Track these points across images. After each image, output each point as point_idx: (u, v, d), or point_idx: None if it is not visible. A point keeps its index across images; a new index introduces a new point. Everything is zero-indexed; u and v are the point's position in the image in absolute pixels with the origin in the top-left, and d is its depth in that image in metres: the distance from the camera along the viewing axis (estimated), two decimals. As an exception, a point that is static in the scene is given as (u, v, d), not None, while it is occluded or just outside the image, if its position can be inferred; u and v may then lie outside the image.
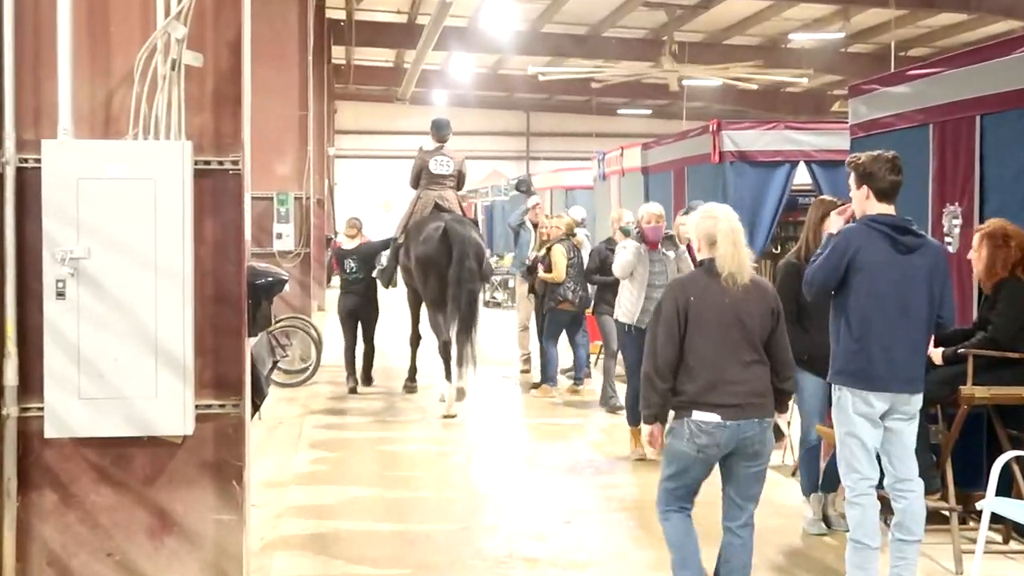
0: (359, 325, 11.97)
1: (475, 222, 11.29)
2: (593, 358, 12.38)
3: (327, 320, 17.52)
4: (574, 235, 11.34)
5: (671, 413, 4.82)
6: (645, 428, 4.86)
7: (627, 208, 11.07)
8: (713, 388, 4.64)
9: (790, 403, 5.23)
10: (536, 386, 11.51)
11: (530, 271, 11.45)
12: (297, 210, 13.90)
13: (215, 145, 4.93)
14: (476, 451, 8.96)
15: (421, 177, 10.96)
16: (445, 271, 10.21)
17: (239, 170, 4.93)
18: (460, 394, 10.32)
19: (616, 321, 8.63)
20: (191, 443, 4.88)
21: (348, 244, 12.31)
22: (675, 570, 4.88)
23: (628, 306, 8.31)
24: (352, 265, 11.97)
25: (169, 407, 4.71)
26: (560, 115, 39.76)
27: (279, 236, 13.68)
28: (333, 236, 21.82)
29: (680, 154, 11.93)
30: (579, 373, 11.61)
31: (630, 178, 13.98)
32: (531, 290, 11.63)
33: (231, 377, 4.96)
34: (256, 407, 5.79)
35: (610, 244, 10.07)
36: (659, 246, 8.33)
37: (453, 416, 10.15)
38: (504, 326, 17.19)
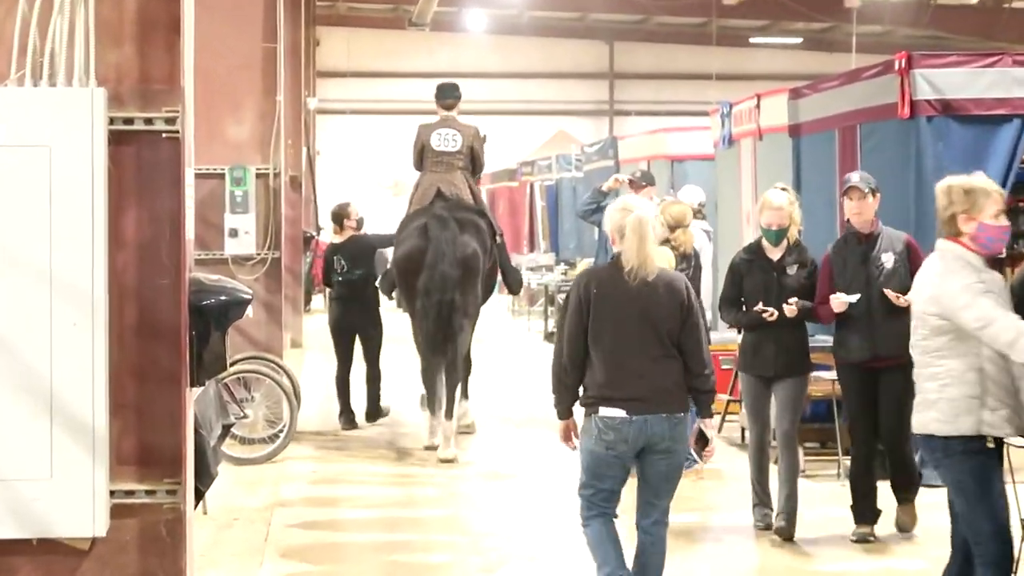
0: (355, 343, 13.15)
1: (481, 212, 12.54)
2: (717, 420, 12.23)
3: (305, 361, 17.59)
4: (685, 227, 10.35)
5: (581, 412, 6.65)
6: (560, 423, 6.84)
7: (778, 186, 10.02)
8: (616, 383, 6.46)
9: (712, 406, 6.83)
10: None
11: None
12: (261, 193, 13.90)
13: (140, 94, 4.96)
14: (534, 564, 8.90)
15: (424, 157, 12.56)
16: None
17: (176, 132, 4.95)
18: (446, 441, 11.84)
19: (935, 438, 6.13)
20: (104, 549, 4.89)
21: (337, 238, 13.56)
22: (598, 571, 6.75)
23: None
24: (343, 263, 13.14)
25: (71, 494, 4.73)
26: (661, 47, 39.83)
27: (234, 233, 13.71)
28: (315, 234, 21.95)
29: (849, 105, 11.86)
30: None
31: (771, 142, 13.92)
32: None
33: (164, 449, 4.97)
34: (200, 494, 5.79)
35: (749, 253, 9.26)
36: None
37: (452, 460, 11.71)
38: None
